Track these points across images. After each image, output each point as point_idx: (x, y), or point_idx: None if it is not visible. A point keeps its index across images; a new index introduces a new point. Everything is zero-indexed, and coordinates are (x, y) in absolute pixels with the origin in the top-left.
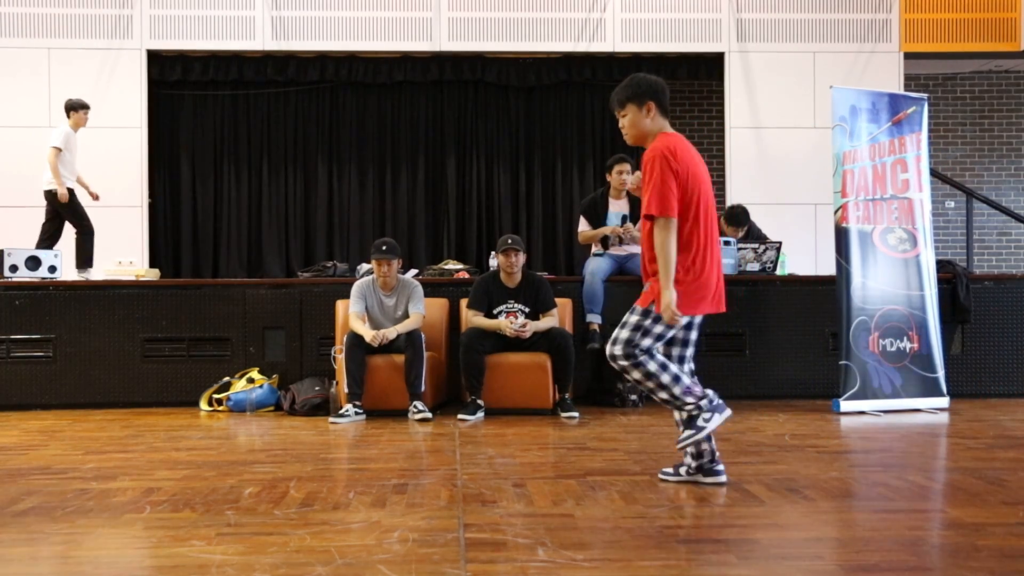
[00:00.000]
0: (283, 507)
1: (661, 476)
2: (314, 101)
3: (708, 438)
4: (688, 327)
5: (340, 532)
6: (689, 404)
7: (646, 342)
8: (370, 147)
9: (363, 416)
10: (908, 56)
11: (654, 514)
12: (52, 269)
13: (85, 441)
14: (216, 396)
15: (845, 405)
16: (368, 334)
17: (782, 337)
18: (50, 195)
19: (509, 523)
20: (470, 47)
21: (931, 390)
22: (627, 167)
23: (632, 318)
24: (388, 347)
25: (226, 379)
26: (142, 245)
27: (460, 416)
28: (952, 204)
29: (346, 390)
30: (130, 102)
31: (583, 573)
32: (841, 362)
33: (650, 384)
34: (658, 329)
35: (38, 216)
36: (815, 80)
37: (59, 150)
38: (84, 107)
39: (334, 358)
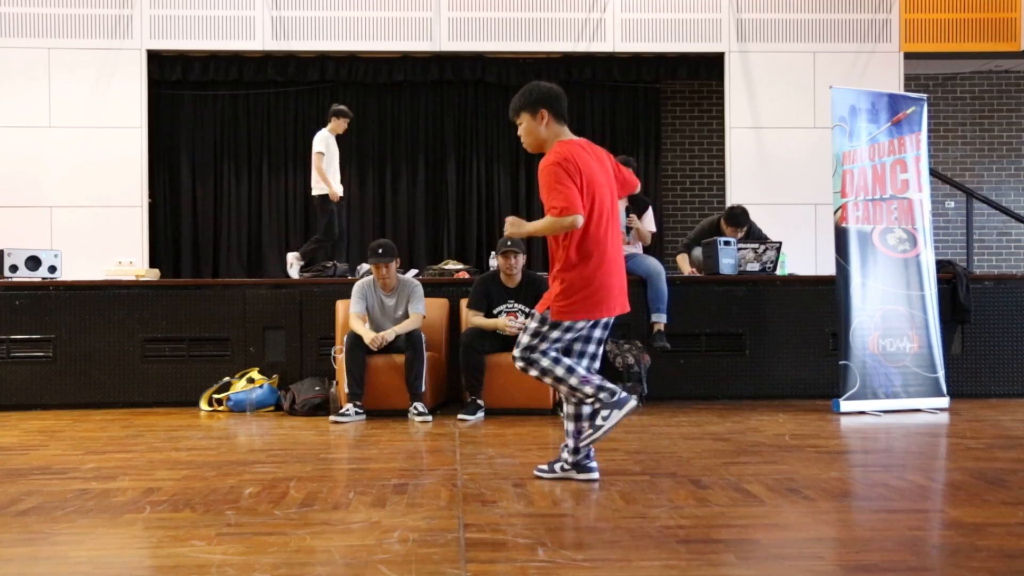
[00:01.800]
0: (283, 507)
1: (536, 472)
2: (314, 101)
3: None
4: (593, 325)
5: (340, 532)
6: (589, 394)
7: (543, 346)
8: (370, 147)
9: (363, 416)
10: (908, 56)
11: (654, 514)
12: (52, 269)
13: (85, 441)
14: (216, 396)
15: (845, 405)
16: (368, 335)
17: (782, 337)
18: (318, 199)
19: (509, 523)
20: (470, 47)
21: (931, 390)
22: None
23: (532, 325)
24: (388, 347)
25: (226, 379)
26: (142, 245)
27: (460, 416)
28: (952, 204)
29: (346, 390)
30: (130, 102)
31: (583, 573)
32: (841, 362)
33: (547, 379)
34: (555, 334)
35: (39, 216)
36: (815, 80)
37: (322, 154)
38: (346, 115)
39: (334, 358)
